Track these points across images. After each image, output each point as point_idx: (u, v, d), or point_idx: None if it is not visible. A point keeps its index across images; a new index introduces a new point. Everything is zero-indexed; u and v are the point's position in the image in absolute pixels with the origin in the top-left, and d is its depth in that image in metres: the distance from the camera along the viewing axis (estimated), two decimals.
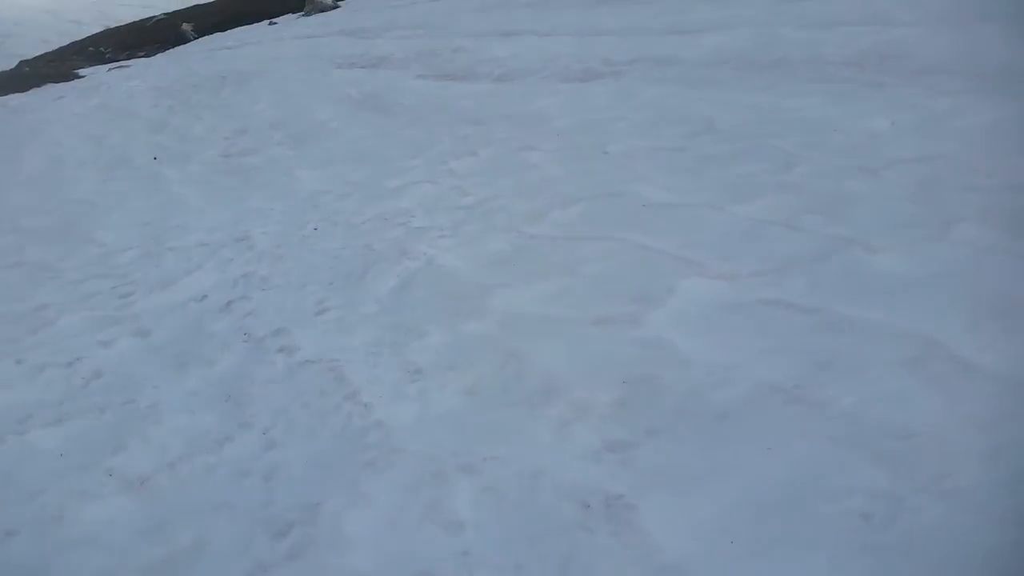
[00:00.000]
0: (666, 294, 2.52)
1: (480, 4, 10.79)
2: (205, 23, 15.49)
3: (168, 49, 14.19)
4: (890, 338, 2.02)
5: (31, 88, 12.69)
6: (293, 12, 14.70)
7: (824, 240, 2.58)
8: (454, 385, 2.31)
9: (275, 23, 14.01)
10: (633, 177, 3.60)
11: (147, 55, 14.19)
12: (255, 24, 14.44)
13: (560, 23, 8.17)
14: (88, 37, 16.69)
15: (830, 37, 5.17)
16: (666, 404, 2.01)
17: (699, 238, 2.85)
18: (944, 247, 2.42)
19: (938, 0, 5.47)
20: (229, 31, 14.37)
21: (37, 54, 16.37)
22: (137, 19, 17.53)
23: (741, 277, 2.52)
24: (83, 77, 13.80)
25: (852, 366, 1.95)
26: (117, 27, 17.29)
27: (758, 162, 3.39)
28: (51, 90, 12.44)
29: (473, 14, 10.15)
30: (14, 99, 11.95)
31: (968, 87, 3.85)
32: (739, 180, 3.26)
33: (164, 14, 17.04)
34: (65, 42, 16.83)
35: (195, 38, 14.74)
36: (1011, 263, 2.29)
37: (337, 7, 13.95)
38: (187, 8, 17.52)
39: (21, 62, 15.94)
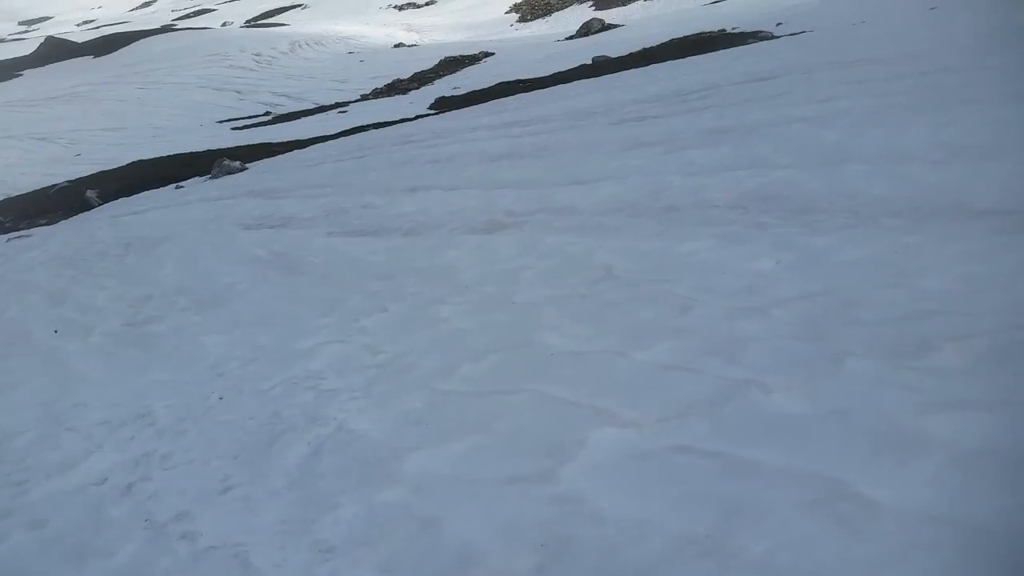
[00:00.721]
0: (578, 446, 2.54)
1: (386, 162, 11.17)
2: (110, 189, 15.44)
3: (72, 216, 14.02)
4: (793, 480, 2.07)
5: None
6: (200, 176, 14.84)
7: (722, 383, 2.68)
8: (368, 562, 2.23)
9: (182, 187, 14.07)
10: (540, 326, 3.68)
11: (49, 223, 13.96)
12: (161, 188, 14.48)
13: (464, 178, 8.51)
14: None
15: (714, 182, 5.54)
16: (584, 566, 1.99)
17: (606, 386, 2.91)
18: (835, 383, 2.54)
19: (810, 142, 5.97)
20: (135, 196, 14.35)
21: None
22: (39, 187, 17.34)
23: (648, 424, 2.56)
24: None
25: (760, 512, 1.99)
26: (17, 195, 17.04)
27: (656, 307, 3.53)
28: None
29: (380, 172, 10.47)
30: None
31: (843, 223, 4.16)
32: (639, 326, 3.38)
33: (67, 181, 16.93)
34: None
35: (100, 204, 14.62)
36: (898, 394, 2.41)
37: (245, 169, 14.16)
38: (91, 174, 17.47)
39: None
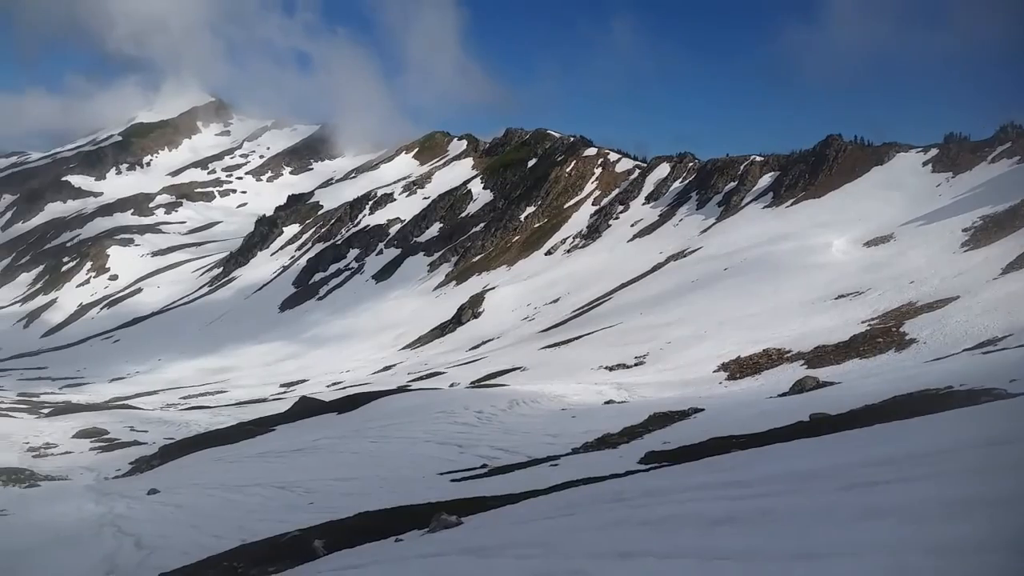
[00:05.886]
0: None
1: (596, 522, 10.99)
2: (335, 539, 16.12)
3: (298, 566, 14.61)
4: None
5: None
6: (419, 528, 15.18)
7: None
8: None
9: (401, 540, 14.34)
10: None
11: (276, 572, 14.60)
12: (383, 541, 14.89)
13: (680, 545, 8.14)
14: (225, 552, 17.57)
15: (970, 571, 4.92)
16: None
17: None
18: None
19: None
20: (358, 547, 14.84)
21: (177, 567, 17.20)
22: (272, 534, 18.49)
23: None
24: None
25: None
26: (252, 542, 18.25)
27: None
28: None
29: (589, 533, 10.28)
30: None
31: None
32: None
33: (298, 530, 18.00)
34: (204, 555, 17.69)
35: (325, 554, 15.21)
36: None
37: (460, 524, 14.32)
38: (320, 523, 18.47)
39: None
